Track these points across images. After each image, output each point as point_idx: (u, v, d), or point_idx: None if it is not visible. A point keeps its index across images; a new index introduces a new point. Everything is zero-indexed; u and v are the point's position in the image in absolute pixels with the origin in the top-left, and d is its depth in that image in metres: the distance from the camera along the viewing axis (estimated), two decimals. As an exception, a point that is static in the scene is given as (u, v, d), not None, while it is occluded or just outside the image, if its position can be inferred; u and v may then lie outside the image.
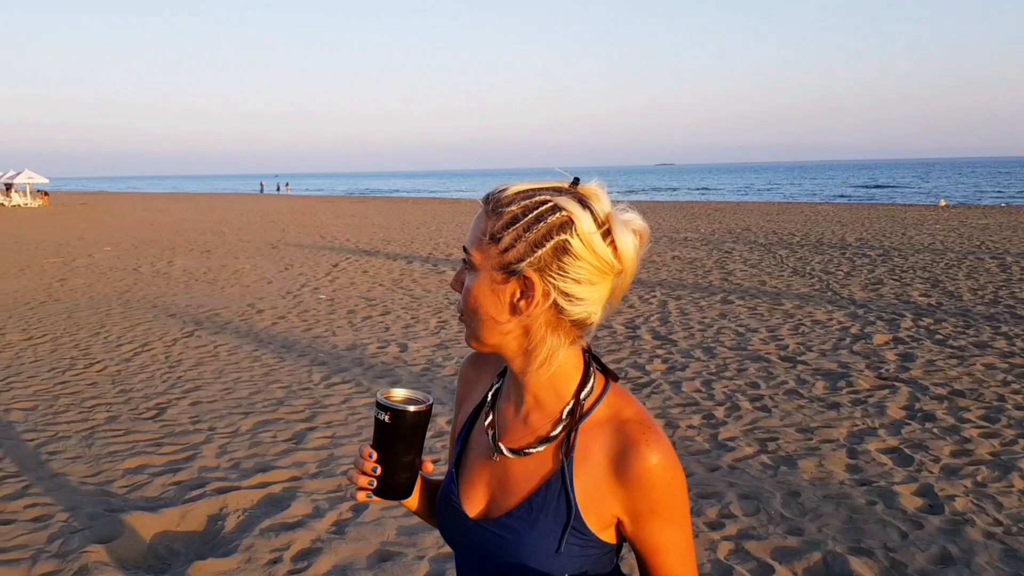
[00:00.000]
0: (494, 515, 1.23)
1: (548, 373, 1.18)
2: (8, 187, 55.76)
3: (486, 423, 1.28)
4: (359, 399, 6.52)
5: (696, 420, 5.86)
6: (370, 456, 1.27)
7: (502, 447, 1.23)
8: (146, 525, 4.26)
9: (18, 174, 54.79)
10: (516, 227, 1.11)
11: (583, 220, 1.09)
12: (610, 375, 1.23)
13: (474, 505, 1.27)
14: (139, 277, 14.66)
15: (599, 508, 1.16)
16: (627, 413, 1.18)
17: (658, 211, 33.63)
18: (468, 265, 1.17)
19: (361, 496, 1.29)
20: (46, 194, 56.34)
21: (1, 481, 4.90)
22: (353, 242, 21.28)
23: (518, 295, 1.13)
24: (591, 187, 1.15)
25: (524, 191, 1.14)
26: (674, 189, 73.78)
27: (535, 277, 1.11)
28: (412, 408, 1.25)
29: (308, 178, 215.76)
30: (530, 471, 1.21)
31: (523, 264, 1.11)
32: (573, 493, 1.16)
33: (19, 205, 51.00)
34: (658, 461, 1.12)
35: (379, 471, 1.27)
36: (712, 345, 8.16)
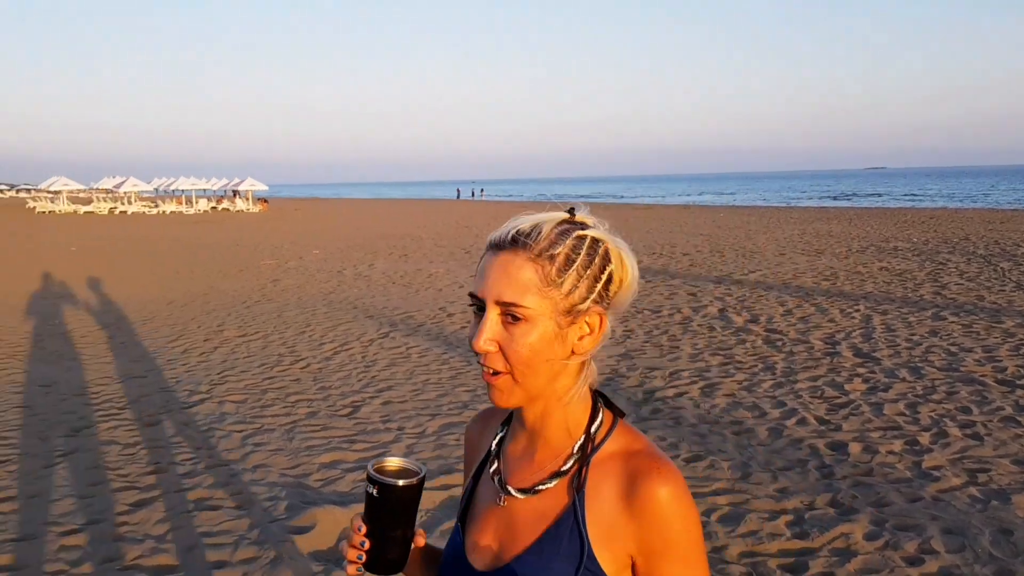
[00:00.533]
0: (503, 562, 1.18)
1: (566, 406, 1.16)
2: (235, 194, 60.81)
3: (491, 470, 1.25)
4: (542, 406, 6.56)
5: (897, 446, 5.46)
6: (359, 529, 1.22)
7: (510, 488, 1.19)
8: (337, 520, 4.47)
9: (242, 181, 59.71)
10: (575, 266, 1.09)
11: (619, 247, 1.12)
12: (617, 411, 1.20)
13: (481, 556, 1.21)
14: (342, 279, 15.53)
15: (613, 546, 1.10)
16: (637, 446, 1.14)
17: (865, 219, 31.82)
18: (516, 318, 1.09)
19: (351, 570, 1.24)
20: (265, 200, 60.98)
21: (211, 468, 5.31)
22: (543, 248, 21.51)
23: (581, 334, 1.12)
24: (585, 215, 1.15)
25: (556, 227, 1.11)
26: (879, 195, 69.47)
27: (600, 312, 1.11)
28: (401, 482, 1.19)
29: (503, 184, 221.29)
30: (539, 512, 1.16)
31: (588, 302, 1.10)
32: (585, 529, 1.11)
33: (242, 210, 55.49)
34: (669, 492, 1.08)
35: (367, 545, 1.21)
36: (920, 365, 7.59)
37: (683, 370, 7.61)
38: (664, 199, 72.93)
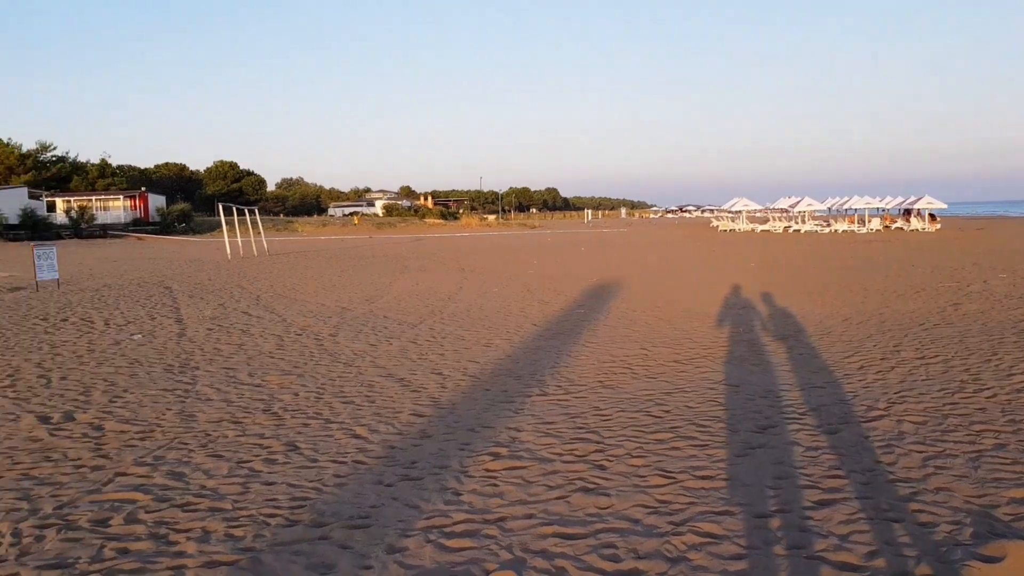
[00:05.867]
0: None
1: None
2: (907, 212, 58.73)
3: None
4: None
5: None
6: None
7: None
8: (1030, 558, 4.19)
9: (918, 200, 57.29)
10: None
11: None
12: None
13: None
14: (1036, 306, 13.96)
15: None
16: None
17: None
18: None
19: None
20: (934, 218, 57.48)
21: (891, 483, 5.36)
22: None
23: None
24: None
25: None
26: None
27: None
28: None
29: None
30: None
31: None
32: None
33: (916, 230, 53.31)
34: None
35: None
36: None
37: None
38: None
